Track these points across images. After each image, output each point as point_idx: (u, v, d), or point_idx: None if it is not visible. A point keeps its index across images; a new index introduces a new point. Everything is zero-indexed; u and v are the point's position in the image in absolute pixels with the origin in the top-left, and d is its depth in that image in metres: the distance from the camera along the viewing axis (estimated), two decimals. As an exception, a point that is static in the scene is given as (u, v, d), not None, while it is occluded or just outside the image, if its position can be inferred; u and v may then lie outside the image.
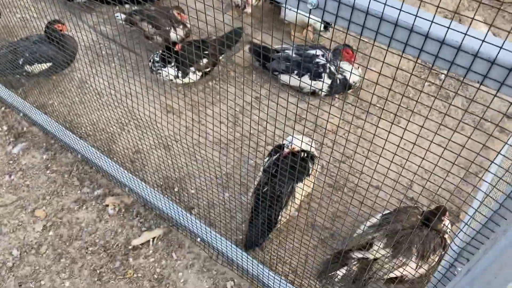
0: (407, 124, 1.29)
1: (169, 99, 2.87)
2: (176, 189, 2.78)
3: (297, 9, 0.99)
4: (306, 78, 3.18)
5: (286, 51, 3.29)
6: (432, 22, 0.82)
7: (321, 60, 3.20)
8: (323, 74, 3.18)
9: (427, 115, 1.19)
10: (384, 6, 0.85)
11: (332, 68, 3.18)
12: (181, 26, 3.43)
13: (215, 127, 1.95)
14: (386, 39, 0.90)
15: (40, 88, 3.31)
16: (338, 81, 3.19)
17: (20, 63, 3.08)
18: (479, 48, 0.81)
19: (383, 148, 1.34)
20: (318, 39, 3.64)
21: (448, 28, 0.81)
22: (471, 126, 2.53)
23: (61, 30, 3.03)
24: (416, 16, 0.83)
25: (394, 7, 0.85)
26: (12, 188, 2.79)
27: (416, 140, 1.36)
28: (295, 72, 3.23)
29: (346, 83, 3.19)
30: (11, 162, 2.94)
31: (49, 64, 3.11)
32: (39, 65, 3.09)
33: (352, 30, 0.94)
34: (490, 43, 0.81)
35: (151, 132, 2.94)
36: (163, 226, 2.61)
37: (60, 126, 2.94)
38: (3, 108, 3.25)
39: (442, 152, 1.31)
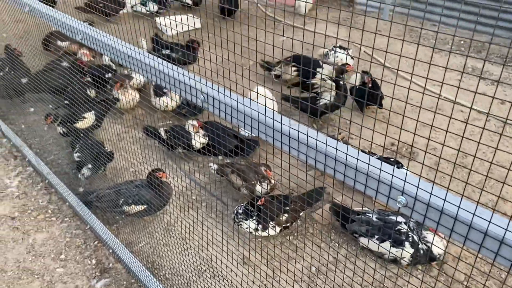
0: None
1: (247, 250, 2.93)
2: None
3: (386, 204, 1.06)
4: (386, 245, 3.11)
5: (367, 214, 3.31)
6: (523, 237, 0.84)
7: (404, 228, 3.15)
8: (405, 242, 3.09)
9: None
10: (473, 216, 0.89)
11: (415, 237, 3.10)
12: (266, 181, 3.66)
13: (290, 286, 1.93)
14: (476, 245, 0.92)
15: (132, 226, 3.57)
16: (421, 251, 3.07)
17: (120, 203, 3.41)
18: None
19: None
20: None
21: (541, 246, 0.82)
22: None
23: (161, 177, 3.38)
24: (506, 230, 0.86)
25: (482, 217, 0.89)
26: (87, 324, 2.86)
27: None
28: (376, 236, 3.18)
29: (430, 255, 3.06)
30: (92, 296, 3.06)
31: (144, 207, 3.40)
32: (135, 206, 3.39)
33: (439, 230, 0.98)
34: None
35: (226, 283, 2.95)
36: None
37: (142, 267, 3.08)
38: (96, 242, 3.52)
39: None
